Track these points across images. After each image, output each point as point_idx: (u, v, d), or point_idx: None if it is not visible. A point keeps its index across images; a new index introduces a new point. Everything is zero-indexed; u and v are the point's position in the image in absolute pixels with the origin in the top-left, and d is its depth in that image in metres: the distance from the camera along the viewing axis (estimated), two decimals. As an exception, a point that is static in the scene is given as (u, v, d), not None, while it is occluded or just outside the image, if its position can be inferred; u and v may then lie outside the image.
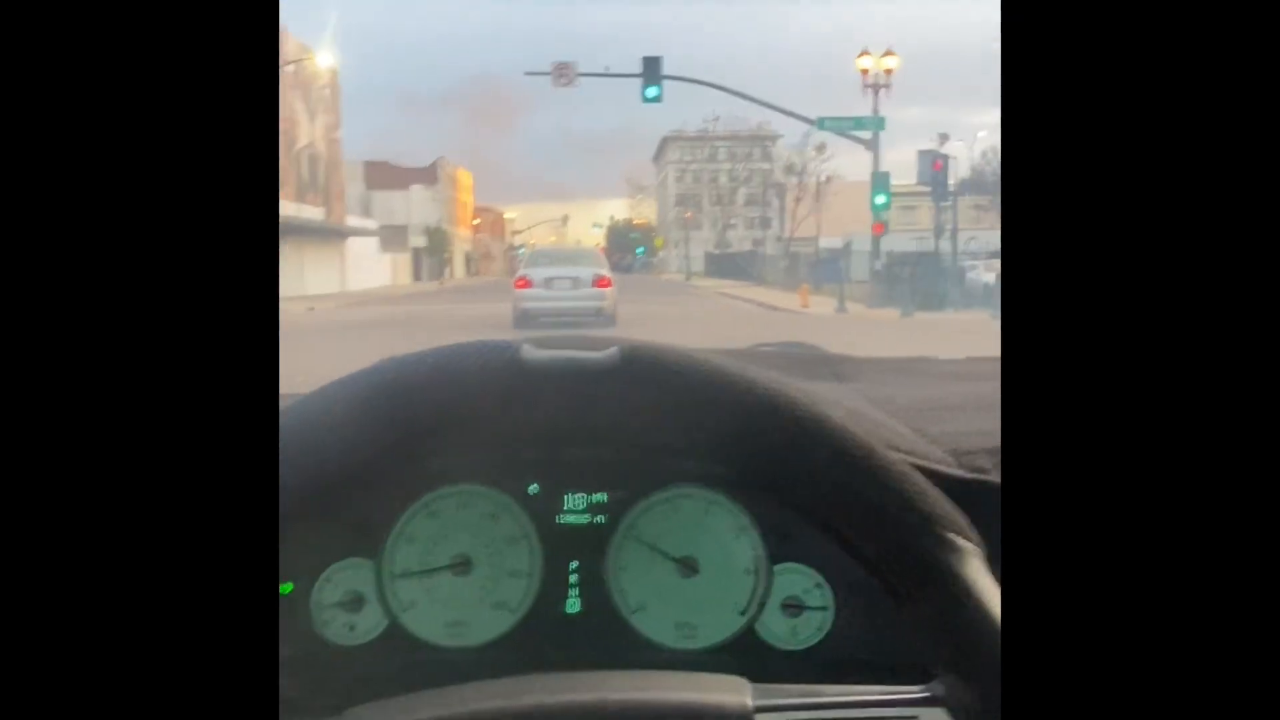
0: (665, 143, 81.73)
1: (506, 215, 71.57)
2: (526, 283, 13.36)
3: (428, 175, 57.61)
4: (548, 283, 13.16)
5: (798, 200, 39.73)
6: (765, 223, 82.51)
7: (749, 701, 0.46)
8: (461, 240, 64.24)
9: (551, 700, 0.45)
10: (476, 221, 74.48)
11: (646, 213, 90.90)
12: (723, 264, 51.29)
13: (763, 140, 63.22)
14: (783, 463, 0.51)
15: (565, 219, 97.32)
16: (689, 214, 69.77)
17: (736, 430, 0.51)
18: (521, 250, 79.41)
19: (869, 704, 0.49)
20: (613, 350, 0.51)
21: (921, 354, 1.11)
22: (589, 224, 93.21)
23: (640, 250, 78.90)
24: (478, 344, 0.52)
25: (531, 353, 0.51)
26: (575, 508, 0.65)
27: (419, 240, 47.99)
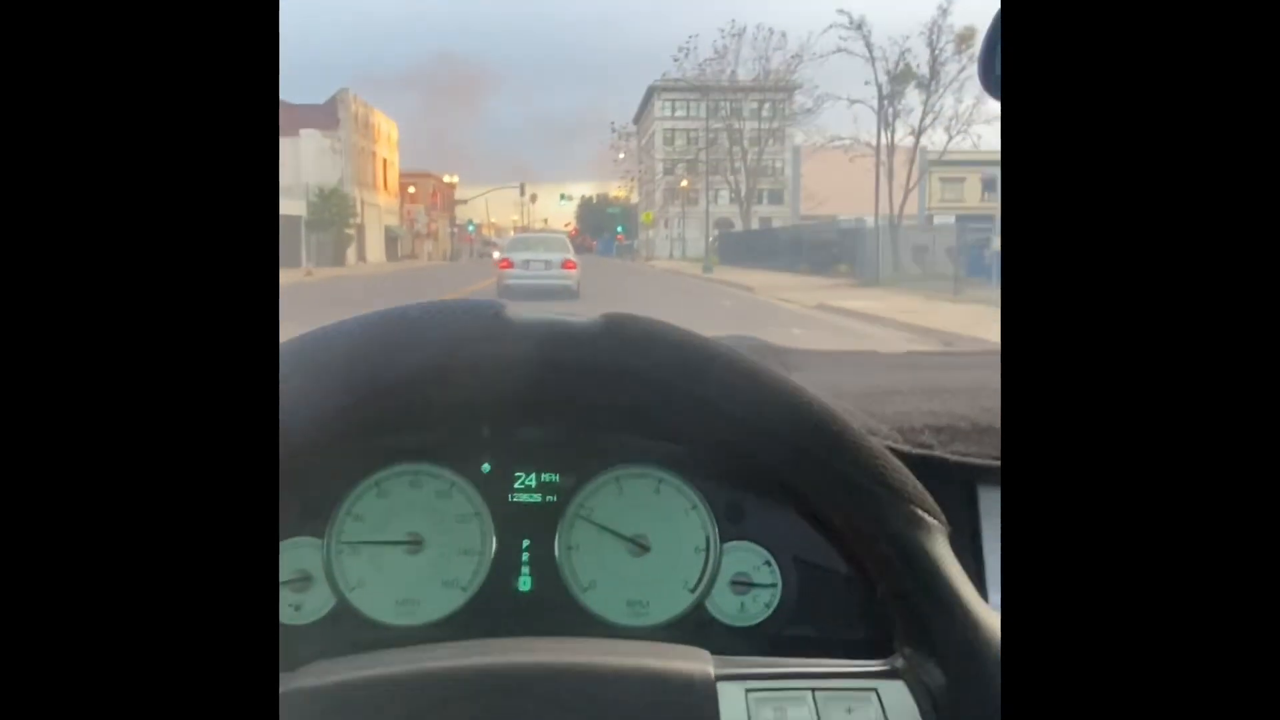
0: (651, 95, 65.40)
1: (446, 179, 55.57)
2: (509, 264, 16.48)
3: (324, 116, 39.65)
4: (525, 264, 16.21)
5: (912, 164, 24.68)
6: (776, 196, 66.74)
7: (711, 670, 0.47)
8: (382, 210, 47.81)
9: (516, 660, 0.46)
10: (413, 190, 57.92)
11: (624, 184, 75.06)
12: (752, 246, 35.26)
13: (778, 93, 46.41)
14: (752, 432, 0.52)
15: (533, 197, 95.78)
16: (685, 182, 53.64)
17: (708, 398, 0.51)
18: (472, 227, 63.42)
19: (828, 675, 0.49)
20: (596, 316, 0.53)
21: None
22: (556, 197, 76.80)
23: (620, 228, 62.78)
24: (465, 301, 0.53)
25: (517, 313, 0.52)
26: (527, 486, 0.66)
27: (294, 207, 30.93)
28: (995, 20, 0.73)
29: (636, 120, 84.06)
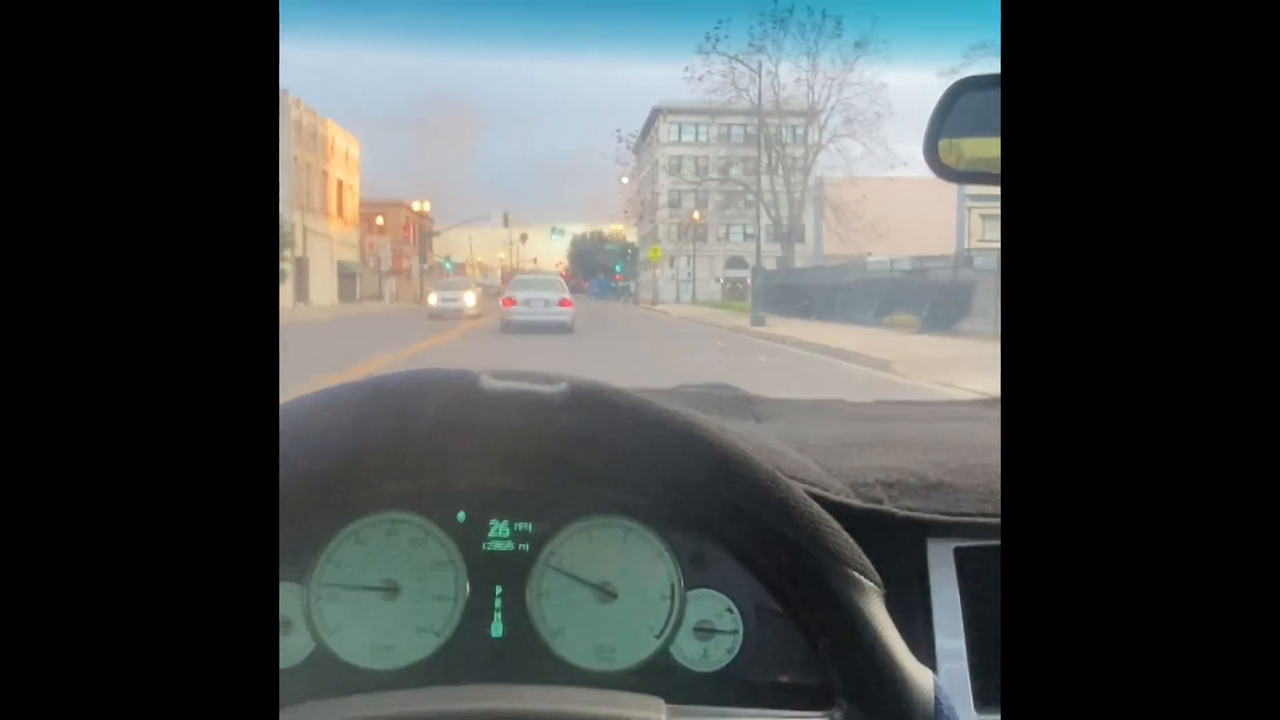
0: (655, 118, 58.11)
1: (417, 207, 47.65)
2: (511, 302, 17.99)
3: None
4: (527, 302, 17.75)
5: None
6: (793, 233, 59.29)
7: (663, 717, 0.50)
8: (334, 242, 39.82)
9: (475, 708, 0.49)
10: (381, 221, 50.00)
11: (615, 220, 67.37)
12: (800, 290, 27.10)
13: (783, 117, 38.62)
14: (707, 496, 0.56)
15: (523, 236, 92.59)
16: (697, 214, 45.89)
17: (666, 463, 0.56)
18: (449, 265, 55.59)
19: None
20: (563, 385, 0.57)
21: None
22: (546, 236, 68.93)
23: (618, 267, 54.91)
24: (441, 371, 0.57)
25: (490, 383, 0.56)
26: (500, 535, 0.67)
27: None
28: (937, 107, 0.82)
29: (637, 149, 76.97)
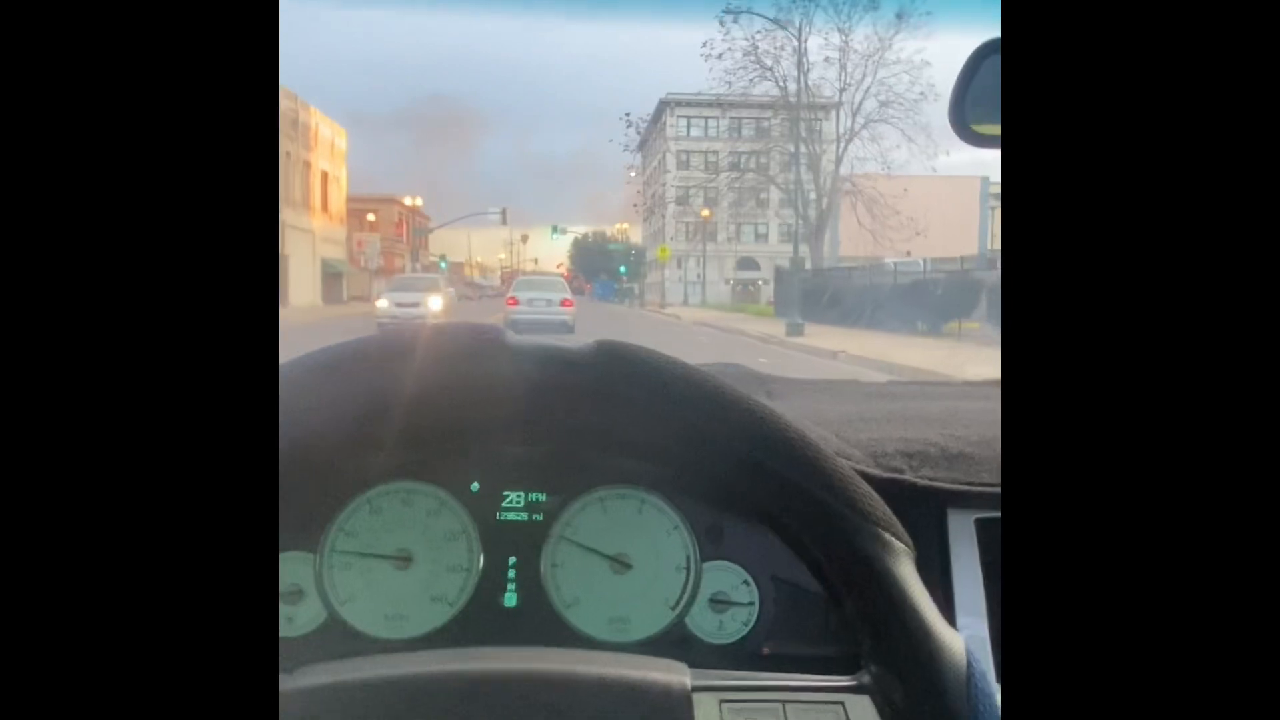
0: (663, 111, 55.31)
1: (409, 201, 44.65)
2: (515, 301, 19.01)
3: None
4: (530, 302, 18.82)
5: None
6: (822, 230, 56.49)
7: (688, 681, 0.50)
8: (317, 238, 36.95)
9: (496, 667, 0.49)
10: (373, 217, 47.14)
11: (616, 222, 64.55)
12: (832, 294, 23.95)
13: (813, 110, 35.64)
14: (731, 453, 0.54)
15: (524, 237, 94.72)
16: (707, 212, 43.04)
17: (690, 420, 0.54)
18: (444, 265, 52.82)
19: (799, 689, 0.52)
20: (589, 342, 0.56)
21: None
22: (547, 235, 66.15)
23: (623, 269, 52.06)
24: (465, 324, 0.56)
25: (515, 337, 0.56)
26: (515, 505, 0.67)
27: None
28: (964, 68, 0.80)
29: (641, 146, 74.18)
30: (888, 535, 0.53)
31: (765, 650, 0.66)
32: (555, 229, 51.14)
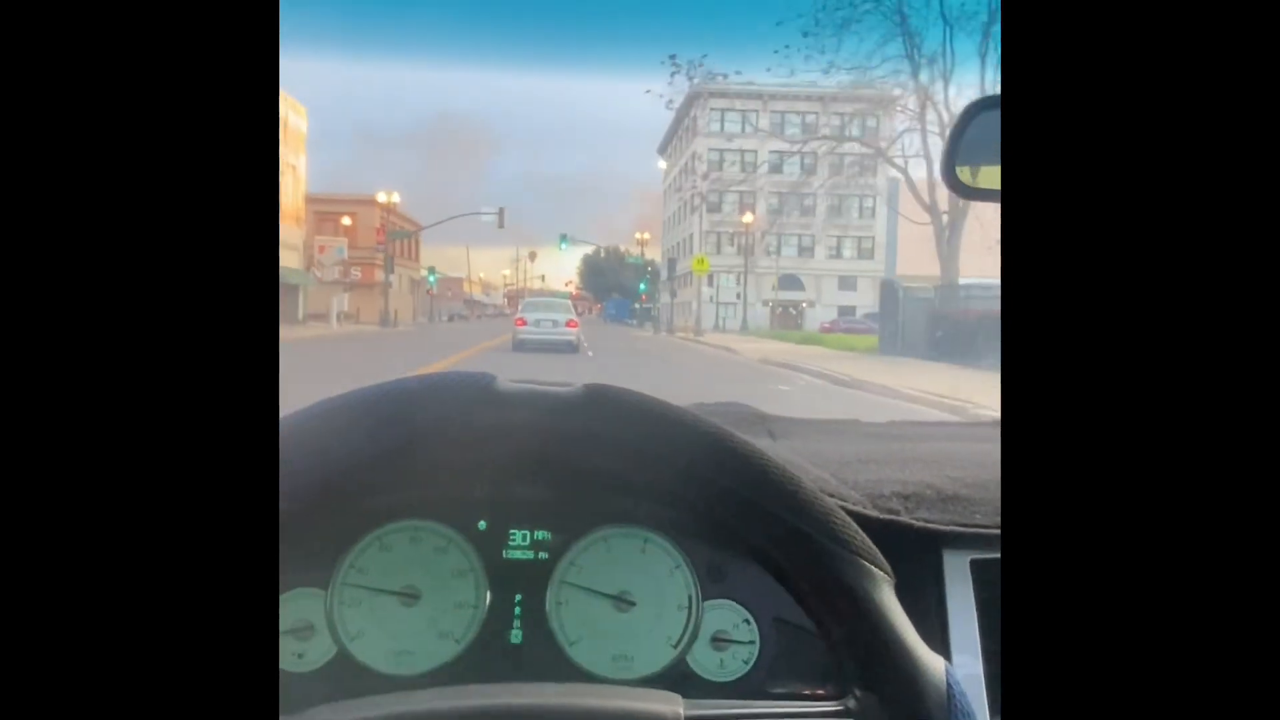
0: (692, 104, 47.54)
1: (383, 197, 36.92)
2: (523, 322, 19.27)
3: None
4: (537, 323, 18.98)
5: None
6: (865, 251, 48.56)
7: (681, 712, 0.51)
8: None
9: (495, 703, 0.50)
10: (348, 221, 39.48)
11: (623, 240, 56.72)
12: (950, 325, 15.99)
13: (874, 104, 27.32)
14: (719, 491, 0.56)
15: (532, 254, 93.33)
16: (750, 217, 35.21)
17: (677, 459, 0.56)
18: (433, 278, 45.04)
19: (785, 715, 0.54)
20: (578, 386, 0.57)
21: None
22: (554, 256, 58.54)
23: (643, 286, 44.18)
24: (459, 373, 0.57)
25: (506, 384, 0.57)
26: (520, 543, 0.68)
27: None
28: (958, 121, 0.91)
29: (663, 149, 66.42)
30: (866, 563, 0.55)
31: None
32: (564, 239, 43.39)
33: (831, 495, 0.66)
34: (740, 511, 0.56)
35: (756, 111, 45.22)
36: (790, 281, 47.19)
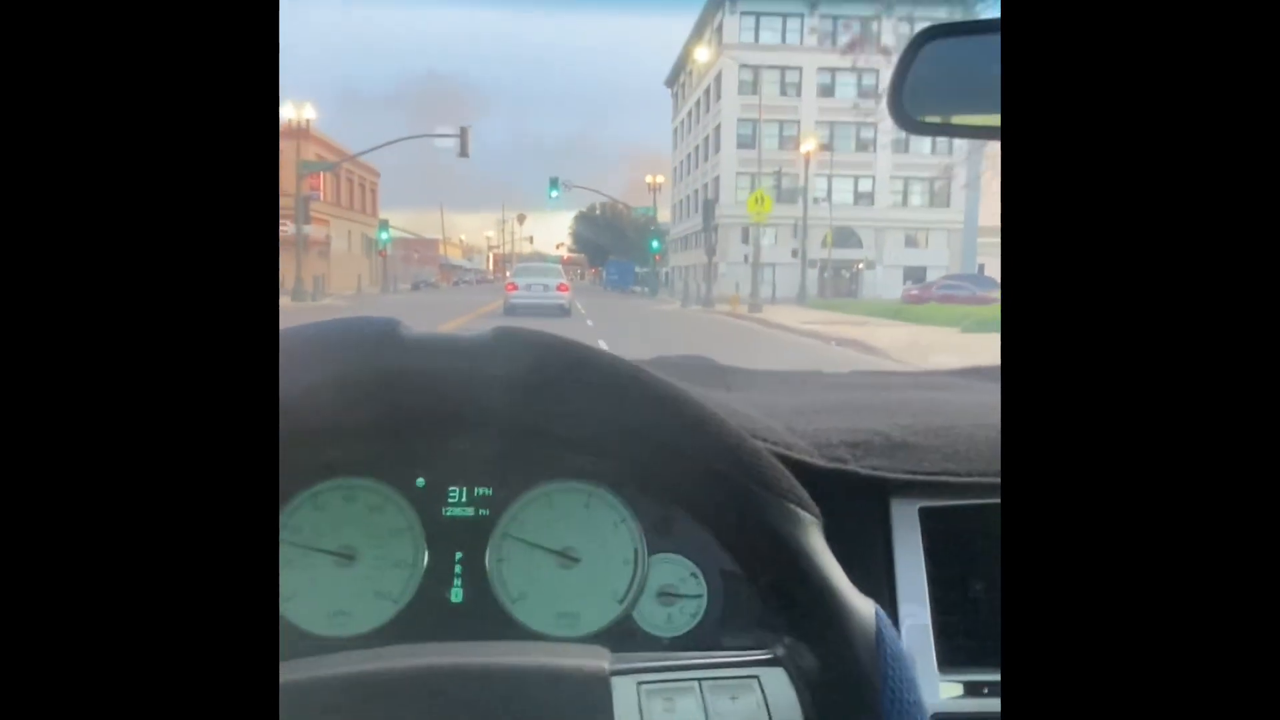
0: (720, 9, 37.13)
1: (292, 114, 27.17)
2: (514, 287, 19.33)
3: None
4: (528, 287, 19.14)
5: None
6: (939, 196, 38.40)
7: (606, 665, 0.50)
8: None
9: (413, 663, 0.48)
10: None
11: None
12: None
13: None
14: (637, 435, 0.55)
15: (520, 217, 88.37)
16: (809, 147, 25.11)
17: (607, 409, 0.55)
18: (386, 237, 35.08)
19: (714, 665, 0.53)
20: (486, 330, 0.55)
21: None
22: (544, 223, 48.51)
23: (653, 242, 34.23)
24: (358, 319, 0.55)
25: (409, 329, 0.54)
26: (459, 500, 0.67)
27: None
28: (901, 56, 0.85)
29: (673, 80, 55.89)
30: (791, 505, 0.53)
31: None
32: (554, 185, 33.34)
33: (776, 444, 0.64)
34: (662, 457, 0.55)
35: (802, 15, 35.06)
36: (845, 236, 37.15)
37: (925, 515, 0.69)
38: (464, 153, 23.16)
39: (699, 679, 0.52)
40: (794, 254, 30.20)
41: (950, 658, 0.65)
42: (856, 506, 0.66)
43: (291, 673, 0.48)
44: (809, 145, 25.83)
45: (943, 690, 0.64)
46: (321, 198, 31.74)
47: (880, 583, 0.66)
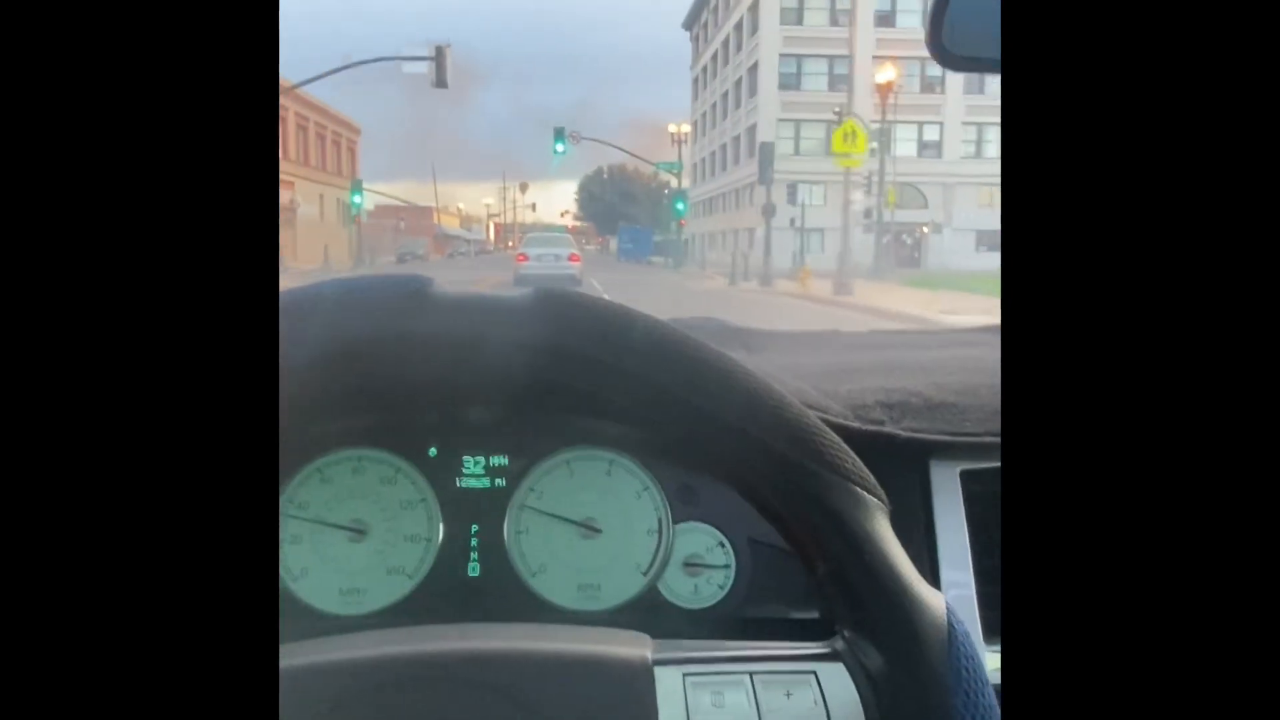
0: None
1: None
2: (525, 258, 18.57)
3: None
4: (539, 258, 18.36)
5: None
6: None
7: (649, 654, 0.46)
8: None
9: (451, 647, 0.46)
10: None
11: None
12: None
13: None
14: (685, 407, 0.50)
15: (523, 186, 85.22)
16: (888, 79, 19.10)
17: (659, 382, 0.50)
18: (358, 202, 29.98)
19: (767, 658, 0.49)
20: (527, 290, 0.50)
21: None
22: (545, 192, 42.63)
23: (679, 203, 28.56)
24: (386, 276, 0.51)
25: (444, 288, 0.50)
26: (475, 470, 0.64)
27: None
28: None
29: (691, 23, 49.72)
30: (859, 490, 0.49)
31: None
32: (559, 138, 27.66)
33: (812, 408, 0.59)
34: (718, 435, 0.50)
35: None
36: (908, 196, 31.30)
37: (967, 478, 0.66)
38: (441, 81, 17.53)
39: (750, 672, 0.48)
40: (866, 214, 24.38)
41: (996, 626, 0.62)
42: (895, 470, 0.60)
43: (301, 656, 0.45)
44: (887, 74, 20.06)
45: (988, 662, 0.60)
46: (282, 154, 26.34)
47: (920, 549, 0.62)
